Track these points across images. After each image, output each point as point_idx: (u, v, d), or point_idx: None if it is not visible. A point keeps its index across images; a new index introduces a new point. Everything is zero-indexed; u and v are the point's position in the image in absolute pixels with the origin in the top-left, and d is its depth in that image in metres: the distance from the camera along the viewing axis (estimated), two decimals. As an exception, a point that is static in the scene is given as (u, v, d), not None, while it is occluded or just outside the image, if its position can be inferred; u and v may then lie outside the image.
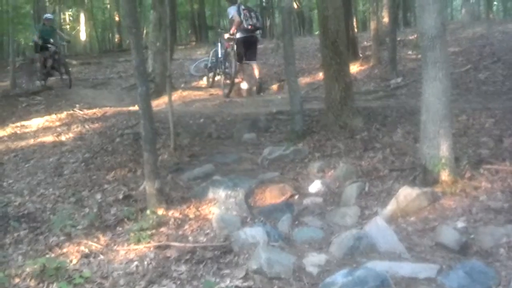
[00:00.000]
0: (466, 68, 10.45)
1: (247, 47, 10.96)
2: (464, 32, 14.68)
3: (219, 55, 11.81)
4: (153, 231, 4.67)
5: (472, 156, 5.32)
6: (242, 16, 10.78)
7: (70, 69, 14.24)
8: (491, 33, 13.72)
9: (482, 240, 3.90)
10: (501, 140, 5.77)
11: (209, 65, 12.65)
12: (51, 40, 13.55)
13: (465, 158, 5.12)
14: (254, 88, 11.53)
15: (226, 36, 11.31)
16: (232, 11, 10.99)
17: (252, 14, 11.08)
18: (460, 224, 4.14)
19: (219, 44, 12.00)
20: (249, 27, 10.84)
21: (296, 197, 5.23)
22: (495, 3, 32.56)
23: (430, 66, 4.77)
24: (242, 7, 11.09)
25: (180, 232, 4.64)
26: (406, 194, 4.51)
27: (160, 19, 11.84)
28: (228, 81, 11.35)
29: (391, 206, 4.51)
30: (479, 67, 10.41)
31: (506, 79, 9.32)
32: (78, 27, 28.54)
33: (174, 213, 4.99)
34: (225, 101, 10.66)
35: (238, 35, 10.88)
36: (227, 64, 11.55)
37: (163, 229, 4.72)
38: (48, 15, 14.89)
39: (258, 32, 11.43)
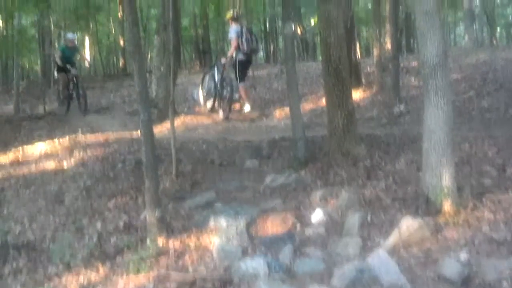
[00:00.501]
0: (468, 95, 10.40)
1: (243, 68, 11.08)
2: (467, 58, 14.66)
3: (216, 80, 11.59)
4: (153, 261, 4.63)
5: (475, 185, 5.28)
6: (243, 38, 10.86)
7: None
8: (494, 60, 13.69)
9: (484, 273, 3.86)
10: (504, 169, 5.73)
11: (206, 90, 12.26)
12: (72, 62, 13.20)
13: (468, 188, 5.07)
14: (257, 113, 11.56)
15: (223, 60, 11.35)
16: (233, 31, 11.04)
17: (253, 37, 11.20)
18: (463, 256, 4.09)
19: (216, 68, 11.78)
20: (248, 50, 10.96)
21: (298, 226, 5.18)
22: (498, 29, 32.71)
23: (432, 94, 4.77)
24: (245, 29, 11.14)
25: (180, 263, 4.60)
26: (409, 224, 4.47)
27: (164, 44, 11.88)
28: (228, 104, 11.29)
29: (393, 237, 4.46)
30: (482, 94, 10.38)
31: (509, 106, 9.27)
32: (82, 51, 28.71)
33: (174, 243, 4.95)
34: (228, 127, 10.62)
35: (239, 57, 10.96)
36: (225, 87, 11.38)
37: (163, 259, 4.68)
38: (70, 35, 14.23)
39: (254, 55, 11.52)
